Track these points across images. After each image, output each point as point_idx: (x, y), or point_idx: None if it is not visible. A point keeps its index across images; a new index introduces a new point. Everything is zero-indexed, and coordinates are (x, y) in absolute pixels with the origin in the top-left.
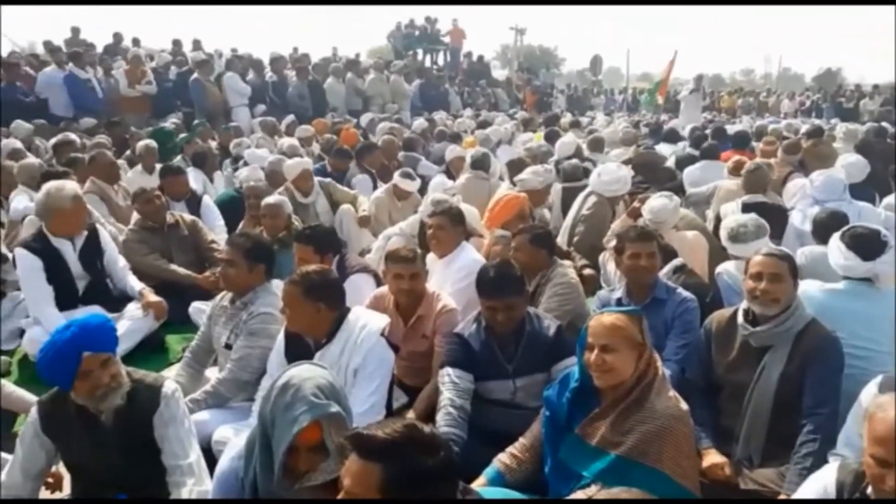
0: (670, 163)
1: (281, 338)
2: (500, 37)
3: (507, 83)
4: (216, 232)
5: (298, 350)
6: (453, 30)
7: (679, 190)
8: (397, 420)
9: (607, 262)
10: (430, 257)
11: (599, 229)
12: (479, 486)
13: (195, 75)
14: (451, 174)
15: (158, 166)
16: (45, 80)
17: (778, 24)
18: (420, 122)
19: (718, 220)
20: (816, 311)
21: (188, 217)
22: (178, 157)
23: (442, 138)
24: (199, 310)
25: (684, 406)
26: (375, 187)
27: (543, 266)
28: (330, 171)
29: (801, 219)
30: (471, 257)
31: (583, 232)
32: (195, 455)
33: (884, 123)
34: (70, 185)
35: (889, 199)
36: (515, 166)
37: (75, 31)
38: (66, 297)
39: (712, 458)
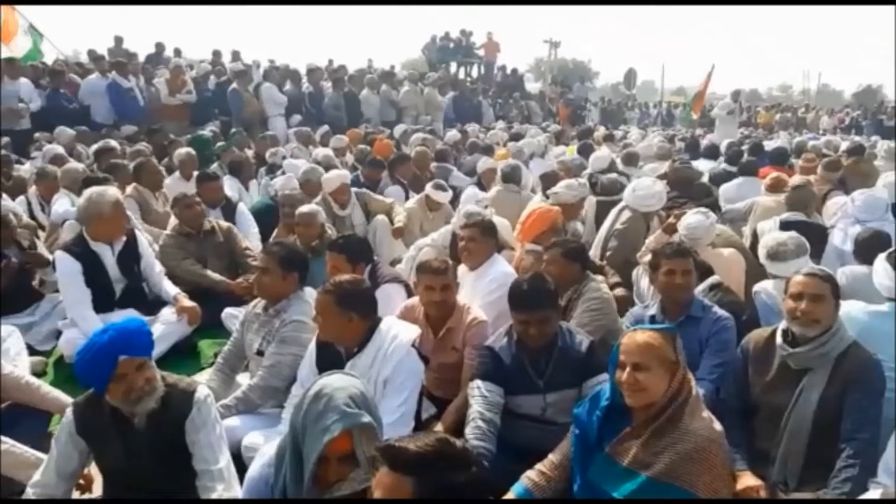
0: (705, 179)
1: (312, 346)
2: (533, 50)
3: (541, 96)
4: (250, 239)
5: (329, 359)
6: (488, 42)
7: (715, 206)
8: (429, 434)
9: (641, 277)
10: (461, 269)
11: (633, 244)
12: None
13: (234, 85)
14: (483, 186)
15: (195, 174)
16: (89, 87)
17: (817, 39)
18: (453, 134)
19: (755, 237)
20: (859, 332)
21: (224, 224)
22: (215, 165)
23: (474, 150)
24: (231, 315)
25: (718, 427)
26: (407, 198)
27: (576, 280)
28: (364, 181)
29: (841, 238)
30: (502, 270)
31: (616, 247)
32: (225, 461)
33: None
34: (111, 192)
35: None
36: (549, 179)
37: (118, 40)
38: (103, 300)
39: (747, 480)
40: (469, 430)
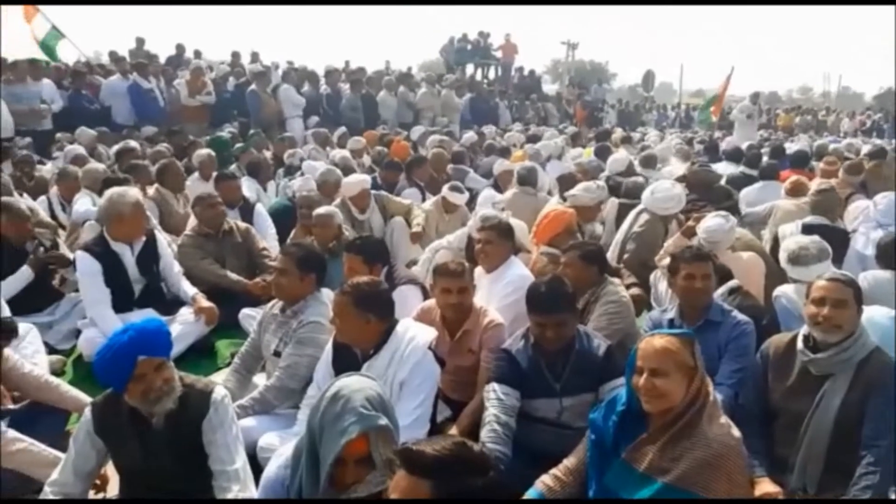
0: (723, 181)
1: (329, 347)
2: (551, 51)
3: (558, 98)
4: (268, 240)
5: (346, 360)
6: (506, 44)
7: (735, 209)
8: (447, 437)
9: (658, 281)
10: (478, 271)
11: (651, 247)
12: None
13: (252, 86)
14: (500, 188)
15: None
16: (110, 88)
17: (838, 42)
18: (469, 136)
19: (776, 241)
20: (882, 337)
21: (242, 224)
22: (233, 166)
23: (491, 152)
24: (248, 316)
25: (737, 433)
26: (424, 200)
27: (594, 283)
28: (381, 183)
29: (863, 242)
30: (518, 272)
31: (633, 249)
32: (241, 461)
33: None
34: (132, 192)
35: None
36: (566, 181)
37: (140, 42)
38: (122, 300)
39: (765, 487)
40: (484, 434)
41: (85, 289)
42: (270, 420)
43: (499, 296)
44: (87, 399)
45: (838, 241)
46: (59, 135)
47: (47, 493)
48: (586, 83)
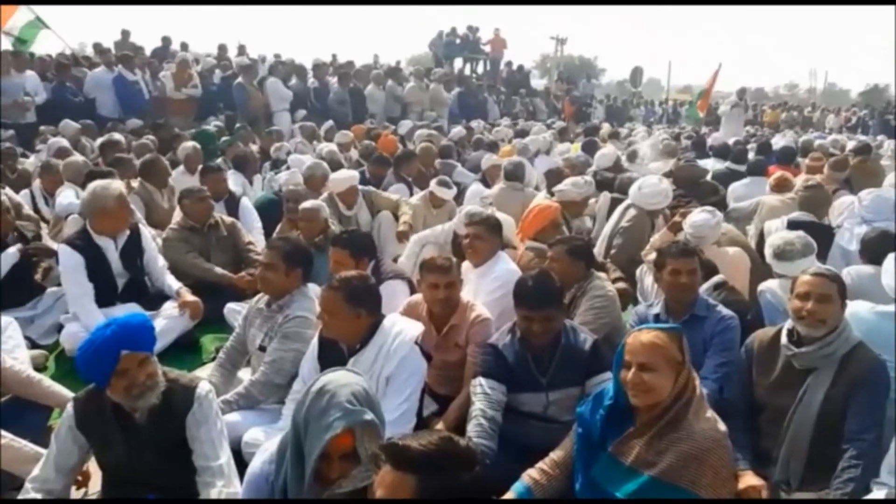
0: (709, 177)
1: (315, 342)
2: (540, 46)
3: (546, 93)
4: (253, 234)
5: (332, 355)
6: (495, 39)
7: (721, 205)
8: (433, 432)
9: (645, 275)
10: (465, 266)
11: (638, 242)
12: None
13: (239, 79)
14: (488, 182)
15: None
16: (94, 80)
17: (824, 38)
18: (458, 130)
19: (762, 236)
20: (866, 332)
21: (227, 218)
22: (220, 160)
23: (479, 146)
24: (233, 311)
25: (722, 427)
26: (412, 195)
27: (580, 278)
28: (369, 177)
29: (847, 238)
30: (506, 267)
31: (620, 244)
32: (226, 457)
33: None
34: (115, 185)
35: None
36: (553, 176)
37: (125, 33)
38: (105, 294)
39: (749, 480)
40: (471, 428)
41: (67, 283)
42: (255, 415)
43: (486, 290)
44: (69, 394)
45: (823, 236)
46: (42, 127)
47: (28, 489)
48: (575, 78)
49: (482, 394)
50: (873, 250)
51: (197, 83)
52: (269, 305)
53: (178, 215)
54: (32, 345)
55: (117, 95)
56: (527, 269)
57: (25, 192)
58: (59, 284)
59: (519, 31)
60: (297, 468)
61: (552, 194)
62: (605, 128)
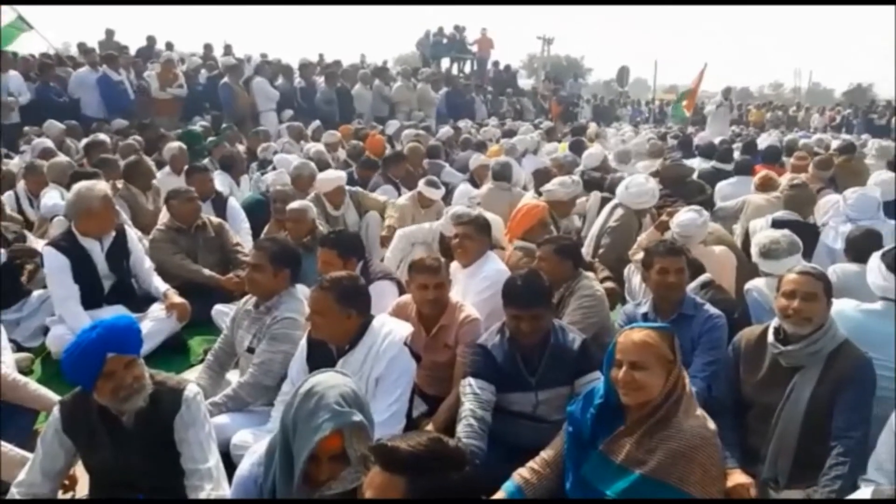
0: (695, 176)
1: (303, 343)
2: (527, 46)
3: (533, 93)
4: (241, 235)
5: (320, 356)
6: (482, 38)
7: (708, 204)
8: (422, 433)
9: (632, 275)
10: (453, 266)
11: (625, 241)
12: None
13: (225, 79)
14: (476, 182)
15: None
16: (79, 80)
17: (808, 38)
18: (446, 130)
19: (747, 235)
20: (852, 330)
21: (215, 219)
22: (206, 160)
23: (467, 146)
24: (221, 312)
25: (712, 425)
26: (399, 196)
27: (568, 277)
28: (357, 179)
29: (832, 236)
30: (495, 267)
31: (608, 244)
32: (214, 460)
33: None
34: (100, 186)
35: None
36: (541, 176)
37: (109, 33)
38: (91, 297)
39: (737, 477)
40: (460, 428)
41: (53, 285)
42: (244, 417)
43: (475, 291)
44: (55, 397)
45: (808, 235)
46: (26, 128)
47: (14, 493)
48: (562, 78)
49: (471, 394)
50: (858, 248)
51: (182, 83)
52: (257, 307)
53: (164, 216)
54: (18, 348)
55: (102, 95)
56: (515, 269)
57: (10, 193)
58: (44, 287)
59: (506, 30)
60: (285, 470)
61: (540, 194)
62: (592, 127)
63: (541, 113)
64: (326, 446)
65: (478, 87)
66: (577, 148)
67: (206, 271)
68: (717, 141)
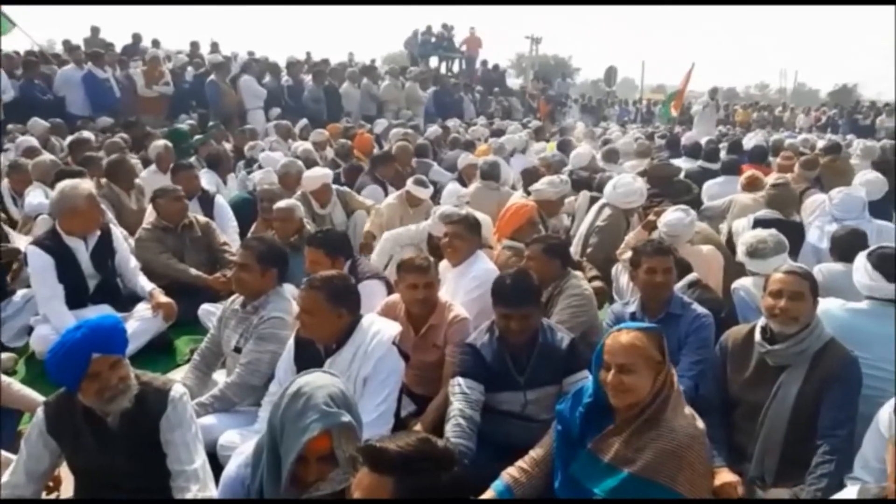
0: (682, 176)
1: (291, 343)
2: (515, 46)
3: (522, 92)
4: (228, 233)
5: (308, 356)
6: (470, 38)
7: (696, 203)
8: (411, 433)
9: (620, 274)
10: (442, 266)
11: (613, 241)
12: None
13: (212, 77)
14: (464, 182)
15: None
16: (64, 78)
17: (794, 39)
18: (434, 129)
19: (731, 234)
20: (838, 329)
21: (202, 218)
22: (193, 159)
23: (455, 146)
24: (208, 312)
25: (700, 424)
26: (386, 196)
27: (557, 277)
28: (344, 180)
29: (818, 236)
30: (484, 267)
31: (596, 243)
32: (200, 461)
33: None
34: (84, 185)
35: None
36: (530, 175)
37: (95, 30)
38: (76, 296)
39: (724, 476)
40: (449, 428)
41: (37, 284)
42: (231, 418)
43: (464, 290)
44: (40, 398)
45: (794, 234)
46: (10, 126)
47: None
48: (550, 78)
49: (460, 393)
50: (844, 248)
51: (169, 81)
52: (244, 306)
53: (151, 215)
54: (2, 347)
55: (87, 93)
56: (504, 268)
57: None
58: (28, 286)
59: (494, 30)
60: (273, 471)
61: (528, 193)
62: (580, 127)
63: (529, 112)
64: (315, 447)
65: (466, 86)
66: (566, 147)
67: (193, 271)
68: (703, 141)
